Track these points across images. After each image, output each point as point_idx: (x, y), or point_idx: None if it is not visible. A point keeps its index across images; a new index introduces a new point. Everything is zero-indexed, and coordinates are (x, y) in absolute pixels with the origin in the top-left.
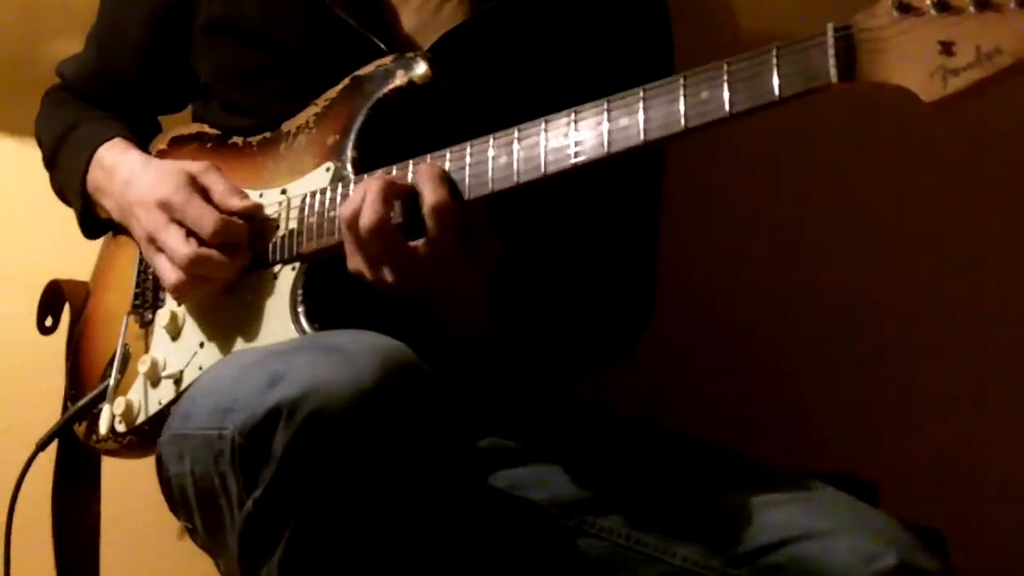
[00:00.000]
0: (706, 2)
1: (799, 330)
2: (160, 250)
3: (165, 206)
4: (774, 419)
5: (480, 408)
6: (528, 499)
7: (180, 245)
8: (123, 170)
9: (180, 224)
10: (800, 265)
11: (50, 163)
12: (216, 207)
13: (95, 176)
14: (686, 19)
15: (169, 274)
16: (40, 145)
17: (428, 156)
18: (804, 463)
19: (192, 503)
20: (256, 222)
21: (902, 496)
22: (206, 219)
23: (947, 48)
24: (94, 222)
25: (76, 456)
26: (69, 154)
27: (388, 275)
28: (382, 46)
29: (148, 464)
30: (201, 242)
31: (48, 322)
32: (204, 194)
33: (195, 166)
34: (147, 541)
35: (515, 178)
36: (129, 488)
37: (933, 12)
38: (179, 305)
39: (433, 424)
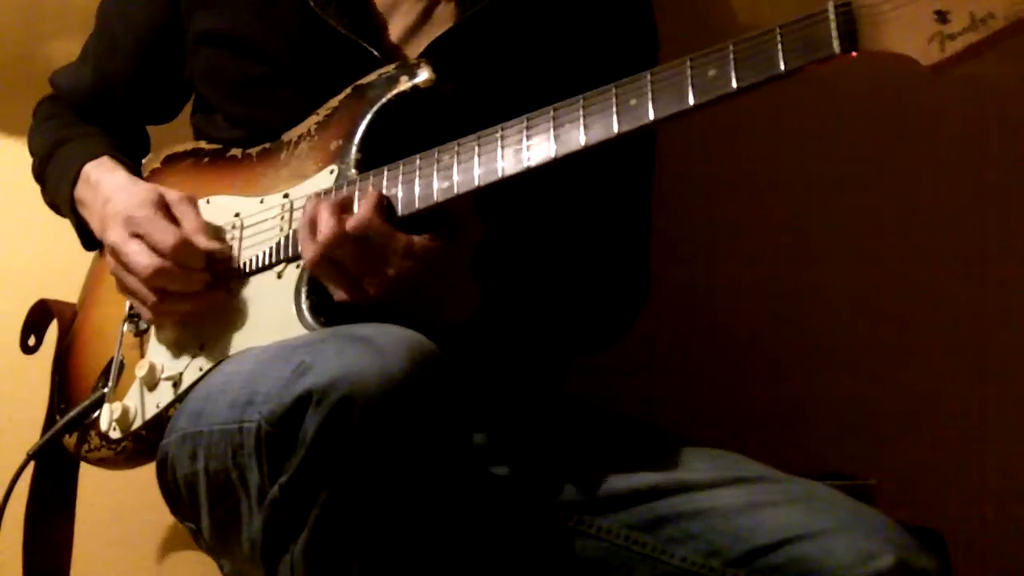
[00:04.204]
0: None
1: (799, 330)
2: (124, 266)
3: (129, 221)
4: (773, 419)
5: (481, 404)
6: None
7: (141, 257)
8: (106, 188)
9: (141, 239)
10: (800, 265)
11: (39, 177)
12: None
13: (81, 191)
14: (682, 18)
15: (136, 288)
16: (32, 156)
17: (417, 157)
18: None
19: (202, 502)
20: (256, 226)
21: (902, 496)
22: (167, 237)
23: (943, 16)
24: (90, 234)
25: (52, 475)
26: (57, 169)
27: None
28: (373, 52)
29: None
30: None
31: (31, 341)
32: (172, 220)
33: (173, 194)
34: (146, 542)
35: (525, 163)
36: (128, 489)
37: None
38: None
39: (454, 414)
